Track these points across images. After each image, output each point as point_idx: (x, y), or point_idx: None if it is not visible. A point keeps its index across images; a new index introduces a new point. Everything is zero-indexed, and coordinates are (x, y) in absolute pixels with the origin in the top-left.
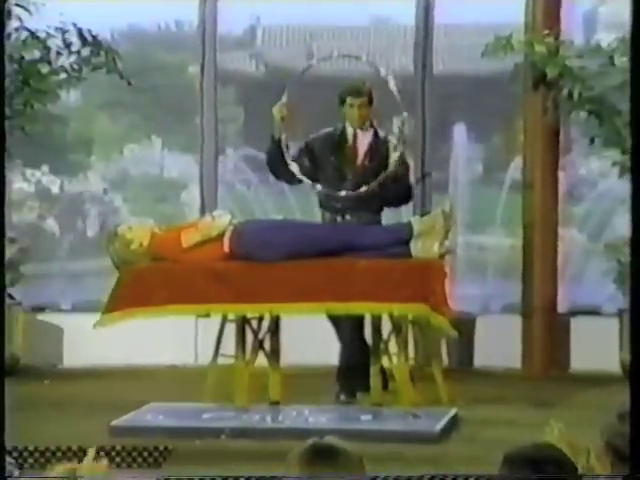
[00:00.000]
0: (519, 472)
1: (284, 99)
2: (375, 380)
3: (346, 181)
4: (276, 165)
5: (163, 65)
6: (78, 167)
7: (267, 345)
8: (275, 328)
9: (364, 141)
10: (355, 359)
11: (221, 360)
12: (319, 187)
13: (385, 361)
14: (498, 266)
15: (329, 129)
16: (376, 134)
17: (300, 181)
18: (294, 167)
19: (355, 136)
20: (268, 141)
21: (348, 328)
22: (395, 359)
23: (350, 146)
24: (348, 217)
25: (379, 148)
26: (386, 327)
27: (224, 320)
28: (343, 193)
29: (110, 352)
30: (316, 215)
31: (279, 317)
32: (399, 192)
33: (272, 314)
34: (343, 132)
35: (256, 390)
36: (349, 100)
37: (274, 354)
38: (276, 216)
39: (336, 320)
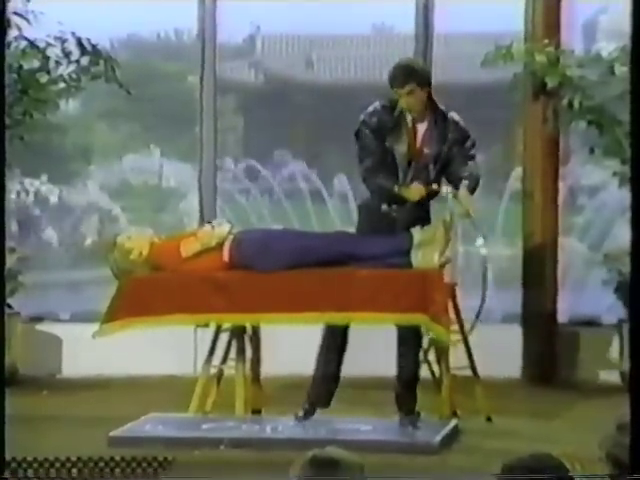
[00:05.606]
0: None
1: None
2: (446, 392)
3: (403, 171)
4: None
5: (162, 74)
6: (77, 176)
7: (248, 354)
8: (254, 335)
9: (421, 129)
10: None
11: (212, 370)
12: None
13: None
14: (498, 276)
15: (383, 105)
16: (435, 119)
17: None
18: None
19: (414, 122)
20: (268, 151)
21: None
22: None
23: (409, 134)
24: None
25: (439, 133)
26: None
27: (218, 330)
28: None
29: (109, 362)
30: (312, 224)
31: (258, 327)
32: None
33: (255, 324)
34: (401, 115)
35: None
36: (394, 90)
37: (255, 363)
38: (275, 226)
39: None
